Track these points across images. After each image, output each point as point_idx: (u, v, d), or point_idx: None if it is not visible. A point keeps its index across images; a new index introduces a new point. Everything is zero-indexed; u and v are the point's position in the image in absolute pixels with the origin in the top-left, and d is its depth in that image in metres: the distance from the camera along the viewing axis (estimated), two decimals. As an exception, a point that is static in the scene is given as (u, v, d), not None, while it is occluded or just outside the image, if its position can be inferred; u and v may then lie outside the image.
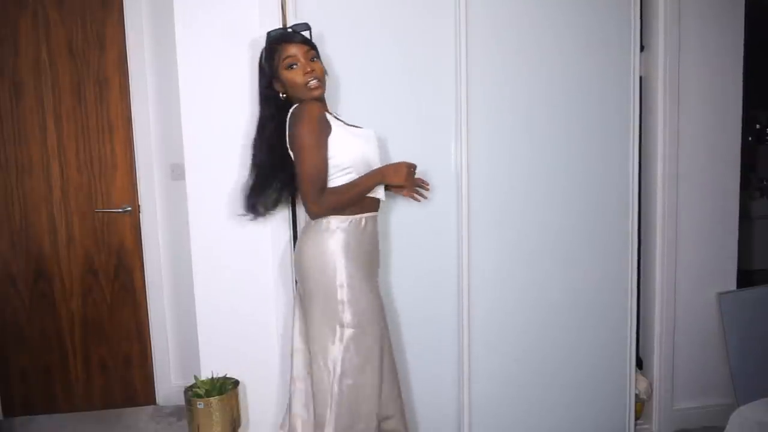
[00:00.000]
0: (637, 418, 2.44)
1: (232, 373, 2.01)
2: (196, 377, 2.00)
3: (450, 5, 2.10)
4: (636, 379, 2.40)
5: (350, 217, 1.71)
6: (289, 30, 1.76)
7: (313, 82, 1.68)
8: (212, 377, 1.98)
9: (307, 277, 1.72)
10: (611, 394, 2.37)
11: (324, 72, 1.74)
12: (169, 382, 2.86)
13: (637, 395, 2.41)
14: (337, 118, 1.78)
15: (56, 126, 2.67)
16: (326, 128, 1.68)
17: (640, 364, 2.51)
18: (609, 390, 2.37)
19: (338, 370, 1.66)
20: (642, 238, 2.40)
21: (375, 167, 1.75)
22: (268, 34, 1.76)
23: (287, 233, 2.07)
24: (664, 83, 2.31)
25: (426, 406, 2.23)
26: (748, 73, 2.42)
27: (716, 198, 2.44)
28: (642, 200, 2.38)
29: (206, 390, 1.92)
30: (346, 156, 1.69)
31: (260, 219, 1.87)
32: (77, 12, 2.63)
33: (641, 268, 2.42)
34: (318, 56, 1.75)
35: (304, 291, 1.75)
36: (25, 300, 2.72)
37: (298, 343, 1.82)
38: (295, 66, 1.69)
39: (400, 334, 2.19)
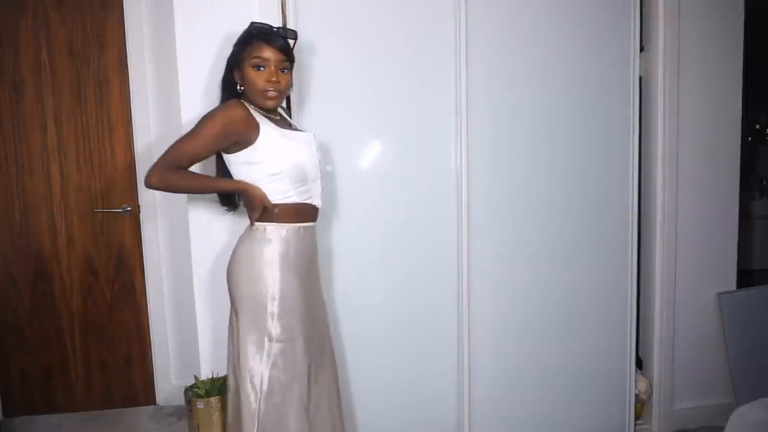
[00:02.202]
0: (637, 418, 2.44)
1: (232, 373, 2.01)
2: (196, 377, 2.00)
3: (450, 6, 2.10)
4: (636, 379, 2.40)
5: (288, 225, 1.64)
6: (275, 30, 1.66)
7: (272, 93, 1.62)
8: (212, 377, 1.98)
9: (237, 287, 1.65)
10: (611, 394, 2.37)
11: (289, 86, 1.69)
12: (169, 382, 2.86)
13: (637, 395, 2.41)
14: (283, 120, 1.73)
15: (56, 126, 2.67)
16: (239, 130, 1.58)
17: (640, 364, 2.51)
18: (609, 390, 2.37)
19: (265, 388, 1.58)
20: (642, 238, 2.40)
21: (311, 173, 1.68)
22: (252, 23, 1.67)
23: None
24: (664, 83, 2.32)
25: (426, 407, 2.23)
26: (748, 73, 2.42)
27: (716, 198, 2.44)
28: (642, 200, 2.38)
29: (206, 390, 1.92)
30: (275, 160, 1.61)
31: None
32: (77, 12, 2.62)
33: (641, 268, 2.42)
34: (290, 69, 1.68)
35: (232, 302, 1.68)
36: (25, 300, 2.72)
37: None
38: (262, 68, 1.61)
39: (400, 334, 2.19)
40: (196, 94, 1.98)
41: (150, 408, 2.83)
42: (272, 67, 1.61)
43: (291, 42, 1.68)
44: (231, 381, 1.68)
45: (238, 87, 1.67)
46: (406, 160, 2.15)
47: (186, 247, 2.05)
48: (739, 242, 2.49)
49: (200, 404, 1.87)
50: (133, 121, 2.71)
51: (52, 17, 2.62)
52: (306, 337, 1.65)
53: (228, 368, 1.71)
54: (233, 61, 1.68)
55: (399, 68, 2.11)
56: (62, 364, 2.77)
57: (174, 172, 1.57)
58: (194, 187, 1.67)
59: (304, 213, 1.69)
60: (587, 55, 2.23)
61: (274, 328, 1.60)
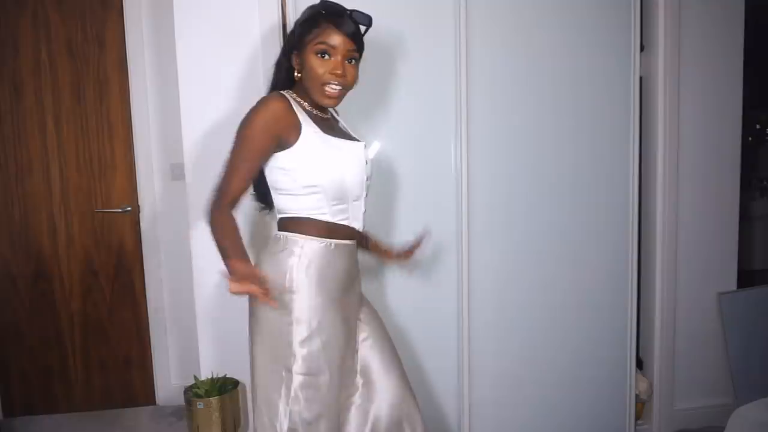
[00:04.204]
0: (637, 418, 2.44)
1: (232, 373, 2.01)
2: (196, 377, 2.00)
3: (450, 6, 2.10)
4: (636, 379, 2.40)
5: (317, 239, 1.41)
6: (348, 13, 1.39)
7: (333, 89, 1.38)
8: (212, 377, 1.98)
9: (253, 307, 1.43)
10: (611, 395, 2.37)
11: (355, 81, 1.44)
12: (169, 382, 2.86)
13: (637, 395, 2.41)
14: (333, 121, 1.52)
15: (56, 126, 2.67)
16: (280, 130, 1.36)
17: (640, 364, 2.51)
18: (609, 390, 2.37)
19: (285, 427, 1.36)
20: (642, 238, 2.40)
21: (352, 191, 1.43)
22: (323, 2, 1.42)
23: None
24: (664, 83, 2.31)
25: (426, 406, 2.22)
26: (748, 73, 2.42)
27: (716, 198, 2.44)
28: (642, 200, 2.38)
29: (206, 390, 1.92)
30: (312, 171, 1.37)
31: (262, 217, 1.69)
32: (77, 12, 2.62)
33: (641, 268, 2.42)
34: (359, 60, 1.44)
35: (250, 324, 1.45)
36: (25, 300, 2.72)
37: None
38: (326, 56, 1.37)
39: (400, 334, 2.19)
40: (196, 94, 1.98)
41: (150, 408, 2.83)
42: (339, 57, 1.37)
43: (363, 29, 1.44)
44: (251, 414, 1.50)
45: (296, 73, 1.43)
46: (406, 160, 2.15)
47: (186, 247, 2.05)
48: (739, 242, 2.49)
49: (200, 404, 1.87)
50: (132, 121, 2.71)
51: (52, 17, 2.62)
52: (336, 368, 1.41)
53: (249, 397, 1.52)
54: (293, 43, 1.42)
55: (398, 67, 2.11)
56: (62, 364, 2.77)
57: (220, 216, 1.36)
58: (214, 239, 1.39)
59: (338, 231, 1.44)
60: (587, 54, 2.23)
61: (295, 357, 1.36)
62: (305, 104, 1.44)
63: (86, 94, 2.67)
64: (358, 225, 1.48)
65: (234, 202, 1.38)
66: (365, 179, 1.47)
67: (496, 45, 2.16)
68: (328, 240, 1.42)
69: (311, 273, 1.39)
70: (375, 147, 2.13)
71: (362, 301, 1.60)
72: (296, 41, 1.41)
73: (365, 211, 1.49)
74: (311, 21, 1.39)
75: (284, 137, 1.37)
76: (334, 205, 1.42)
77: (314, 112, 1.45)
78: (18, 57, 2.62)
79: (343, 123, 1.62)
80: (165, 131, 2.72)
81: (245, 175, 1.37)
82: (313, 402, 1.37)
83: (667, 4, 2.28)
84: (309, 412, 1.37)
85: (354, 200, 1.45)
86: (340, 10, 1.39)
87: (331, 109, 1.55)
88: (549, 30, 2.20)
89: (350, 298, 1.50)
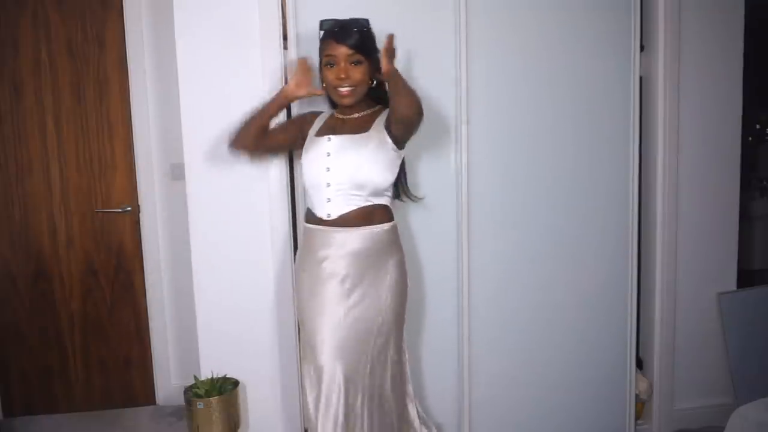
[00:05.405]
0: (637, 418, 2.44)
1: (232, 373, 2.01)
2: (196, 377, 2.00)
3: (450, 6, 2.10)
4: (636, 379, 2.40)
5: (305, 223, 1.76)
6: (342, 25, 1.63)
7: (345, 89, 1.62)
8: (212, 377, 1.98)
9: None
10: (611, 395, 2.37)
11: (367, 78, 1.65)
12: (169, 382, 2.86)
13: (637, 395, 2.41)
14: (358, 120, 1.69)
15: (56, 126, 2.67)
16: (299, 123, 1.80)
17: (640, 364, 2.51)
18: (609, 390, 2.37)
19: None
20: (642, 238, 2.40)
21: (311, 180, 1.69)
22: (321, 21, 1.67)
23: (287, 231, 2.07)
24: (664, 83, 2.31)
25: (426, 406, 2.23)
26: (748, 73, 2.41)
27: (716, 198, 2.43)
28: (642, 200, 2.38)
29: (206, 390, 1.92)
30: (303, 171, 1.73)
31: (262, 217, 2.03)
32: (77, 12, 2.62)
33: (641, 268, 2.42)
34: (364, 61, 1.63)
35: None
36: (25, 300, 2.72)
37: None
38: (333, 65, 1.63)
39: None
40: (196, 94, 1.98)
41: (150, 408, 2.83)
42: (341, 63, 1.61)
43: (364, 30, 1.64)
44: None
45: (323, 85, 1.71)
46: (406, 160, 2.14)
47: (186, 247, 2.05)
48: (739, 242, 2.49)
49: (200, 404, 1.87)
50: (132, 121, 2.71)
51: (52, 17, 2.61)
52: (313, 328, 1.67)
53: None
54: (318, 62, 1.72)
55: (398, 66, 2.10)
56: (62, 364, 2.77)
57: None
58: (245, 126, 1.77)
59: (311, 218, 1.73)
60: (588, 54, 2.23)
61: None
62: (336, 111, 1.75)
63: (86, 94, 2.67)
64: (320, 212, 1.67)
65: (235, 138, 1.81)
66: (325, 170, 1.64)
67: (496, 46, 2.16)
68: (306, 224, 1.74)
69: (299, 251, 1.79)
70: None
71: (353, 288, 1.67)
72: (318, 60, 1.70)
73: (330, 200, 1.65)
74: (321, 39, 1.65)
75: (301, 135, 1.77)
76: (310, 194, 1.71)
77: (342, 117, 1.71)
78: (18, 57, 2.62)
79: (379, 120, 1.69)
80: (165, 131, 2.72)
81: (259, 125, 1.79)
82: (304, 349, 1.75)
83: (667, 5, 2.28)
84: (305, 361, 1.76)
85: (314, 190, 1.68)
86: (333, 24, 1.63)
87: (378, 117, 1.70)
88: (549, 30, 2.20)
89: (319, 272, 1.66)
